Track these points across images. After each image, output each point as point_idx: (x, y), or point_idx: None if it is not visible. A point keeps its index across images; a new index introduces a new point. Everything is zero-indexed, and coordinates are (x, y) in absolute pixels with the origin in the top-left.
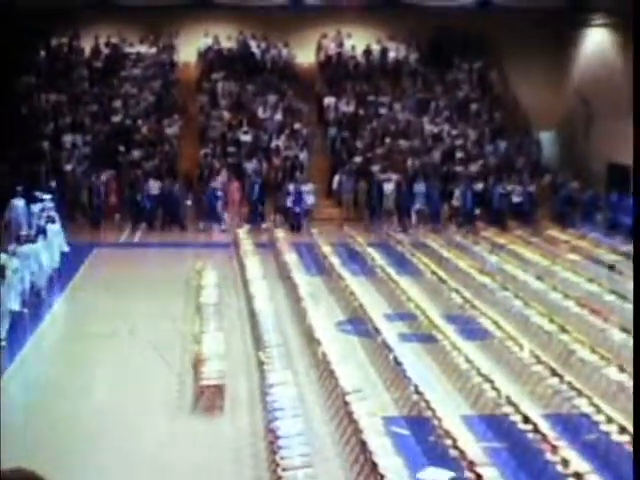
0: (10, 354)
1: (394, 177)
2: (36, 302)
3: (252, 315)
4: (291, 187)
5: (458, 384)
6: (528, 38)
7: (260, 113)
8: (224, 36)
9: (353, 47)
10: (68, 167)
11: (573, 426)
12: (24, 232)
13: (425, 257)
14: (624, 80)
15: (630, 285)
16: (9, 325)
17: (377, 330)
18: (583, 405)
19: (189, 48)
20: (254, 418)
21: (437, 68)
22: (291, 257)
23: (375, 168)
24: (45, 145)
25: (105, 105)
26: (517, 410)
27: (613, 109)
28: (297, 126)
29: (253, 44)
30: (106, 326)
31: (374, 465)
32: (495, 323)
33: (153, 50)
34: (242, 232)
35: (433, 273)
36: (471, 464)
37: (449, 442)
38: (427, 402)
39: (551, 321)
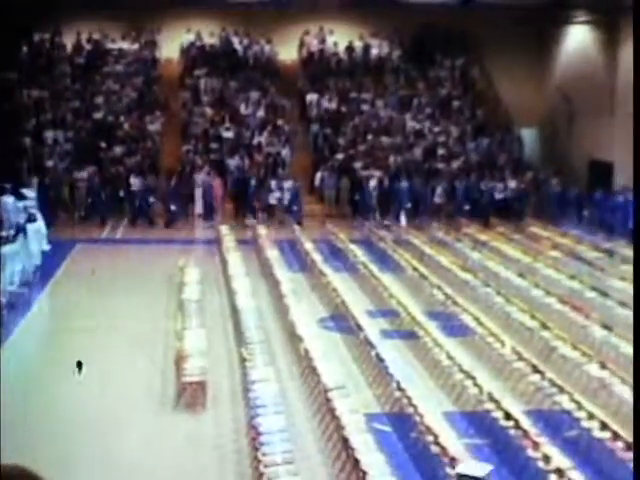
0: None
1: (376, 174)
2: (17, 300)
3: (234, 312)
4: (273, 184)
5: (440, 381)
6: (510, 35)
7: (242, 109)
8: (206, 32)
9: (335, 44)
10: (50, 163)
11: (554, 422)
12: (4, 232)
13: (407, 254)
14: (606, 77)
15: (611, 282)
16: None
17: (359, 327)
18: (564, 401)
19: (171, 44)
20: (236, 415)
21: (419, 65)
22: (273, 254)
23: (357, 165)
24: (27, 141)
25: (87, 101)
26: (499, 406)
27: (595, 106)
28: (279, 123)
29: (235, 40)
30: (88, 322)
31: (356, 462)
32: (477, 320)
33: (135, 46)
34: (224, 229)
35: (415, 270)
36: (453, 461)
37: (431, 438)
38: (409, 399)
39: (533, 318)
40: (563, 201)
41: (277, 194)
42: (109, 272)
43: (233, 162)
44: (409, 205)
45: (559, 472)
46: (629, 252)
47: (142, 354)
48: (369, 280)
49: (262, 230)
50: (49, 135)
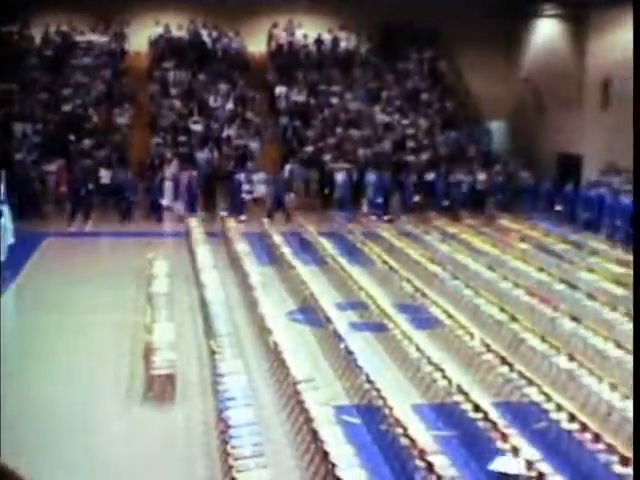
0: None
1: (345, 166)
2: None
3: (203, 304)
4: (242, 176)
5: (409, 373)
6: (479, 28)
7: (211, 102)
8: (175, 25)
9: (305, 36)
10: (18, 156)
11: (523, 414)
12: None
13: (376, 246)
14: (574, 70)
15: (580, 274)
16: None
17: (328, 319)
18: (533, 393)
19: (140, 37)
20: (205, 407)
21: (388, 58)
22: (242, 246)
23: (326, 157)
24: None
25: (56, 94)
26: (467, 399)
27: (563, 99)
28: (248, 115)
29: (204, 33)
30: (56, 316)
31: (325, 454)
32: (446, 312)
33: (104, 39)
34: (193, 221)
35: (384, 262)
36: (422, 452)
37: (400, 431)
38: (378, 391)
39: (501, 310)
40: (532, 194)
41: (246, 187)
42: (78, 266)
43: (202, 155)
44: (380, 200)
45: (528, 464)
46: (597, 244)
47: (110, 347)
48: (338, 273)
49: (231, 222)
50: (18, 128)
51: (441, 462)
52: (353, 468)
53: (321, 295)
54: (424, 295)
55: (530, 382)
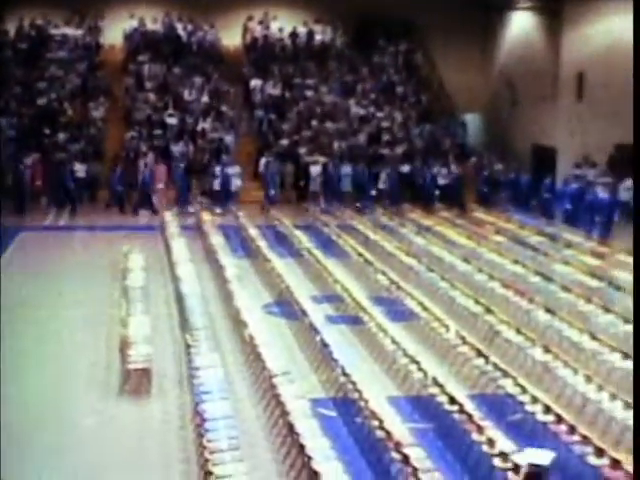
0: None
1: (321, 159)
2: None
3: (179, 298)
4: (217, 169)
5: (385, 365)
6: (453, 21)
7: (186, 95)
8: (150, 18)
9: (280, 29)
10: None
11: (498, 406)
12: None
13: (352, 239)
14: (549, 63)
15: (555, 266)
16: None
17: (304, 312)
18: (508, 385)
19: (115, 30)
20: (181, 401)
21: (363, 51)
22: (217, 240)
23: (302, 150)
24: None
25: (30, 87)
26: (443, 391)
27: (538, 92)
28: (223, 108)
29: (179, 26)
30: (30, 310)
31: (301, 447)
32: (421, 304)
33: (79, 32)
34: (169, 215)
35: (360, 255)
36: (397, 445)
37: (376, 423)
38: (354, 384)
39: (477, 302)
40: (507, 186)
41: (221, 180)
42: (53, 259)
43: (177, 148)
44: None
45: (503, 455)
46: (572, 237)
47: (85, 341)
48: (314, 266)
49: (206, 216)
50: None
51: (417, 454)
52: (329, 461)
53: (297, 288)
54: (399, 288)
55: (505, 374)
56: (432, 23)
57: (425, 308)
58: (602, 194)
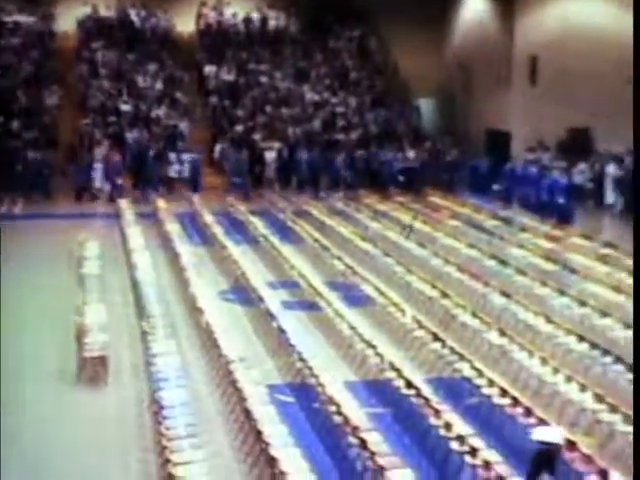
0: None
1: (276, 145)
2: None
3: (135, 286)
4: (172, 156)
5: (341, 351)
6: (407, 6)
7: (140, 82)
8: (103, 5)
9: (234, 15)
10: None
11: (455, 390)
12: None
13: (307, 225)
14: (502, 47)
15: (510, 250)
16: None
17: (260, 298)
18: (465, 369)
19: (68, 17)
20: (138, 389)
21: (317, 36)
22: (173, 227)
23: (256, 137)
24: None
25: None
26: (400, 375)
27: (491, 76)
28: (177, 95)
29: (132, 13)
30: None
31: (258, 433)
32: (377, 289)
33: (32, 19)
34: (124, 202)
35: (315, 241)
36: (355, 429)
37: (333, 408)
38: (311, 369)
39: (433, 287)
40: (461, 170)
41: (177, 167)
42: (6, 249)
43: (132, 135)
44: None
45: (460, 439)
46: (527, 220)
47: (42, 330)
48: (270, 252)
49: (162, 203)
50: None
51: (374, 439)
52: (287, 447)
53: (253, 274)
54: (355, 273)
55: (462, 358)
56: (386, 8)
57: (381, 293)
58: (559, 178)
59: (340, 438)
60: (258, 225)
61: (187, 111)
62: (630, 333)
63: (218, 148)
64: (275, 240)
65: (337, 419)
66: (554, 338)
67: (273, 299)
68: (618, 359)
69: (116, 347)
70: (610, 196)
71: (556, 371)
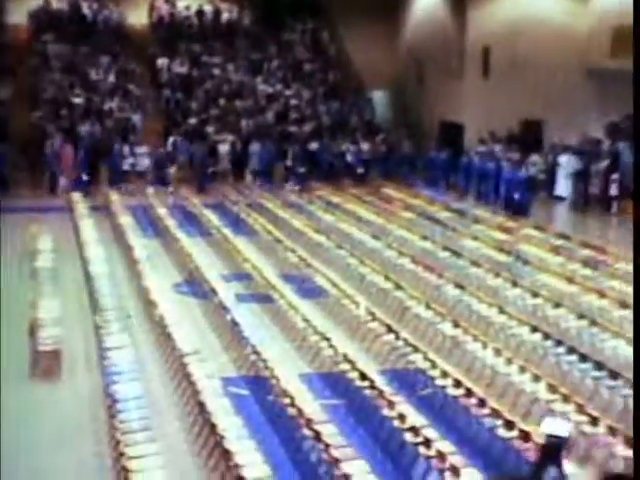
0: None
1: (229, 138)
2: None
3: (88, 279)
4: (125, 149)
5: (295, 343)
6: None
7: (93, 75)
8: None
9: (186, 7)
10: None
11: (409, 381)
12: None
13: (261, 217)
14: (455, 39)
15: (463, 242)
16: None
17: (214, 291)
18: (419, 360)
19: (19, 10)
20: (92, 383)
21: (270, 29)
22: (126, 220)
23: (210, 129)
24: None
25: None
26: (354, 367)
27: (444, 68)
28: (130, 88)
29: (84, 5)
30: None
31: (213, 426)
32: (331, 281)
33: None
34: (76, 195)
35: (269, 233)
36: (309, 422)
37: (287, 401)
38: (265, 362)
39: (386, 278)
40: (415, 162)
41: (130, 160)
42: None
43: (84, 128)
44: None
45: (414, 430)
46: (480, 212)
47: None
48: (223, 244)
49: (114, 196)
50: None
51: (329, 431)
52: (241, 439)
53: (206, 267)
54: (309, 265)
55: (416, 349)
56: (339, 1)
57: (335, 285)
58: (514, 171)
59: (294, 430)
60: (211, 218)
61: (140, 104)
62: (583, 323)
63: (171, 141)
64: (228, 232)
65: (291, 411)
66: (507, 329)
67: (227, 292)
68: (571, 349)
69: (70, 341)
70: (562, 188)
71: (509, 362)
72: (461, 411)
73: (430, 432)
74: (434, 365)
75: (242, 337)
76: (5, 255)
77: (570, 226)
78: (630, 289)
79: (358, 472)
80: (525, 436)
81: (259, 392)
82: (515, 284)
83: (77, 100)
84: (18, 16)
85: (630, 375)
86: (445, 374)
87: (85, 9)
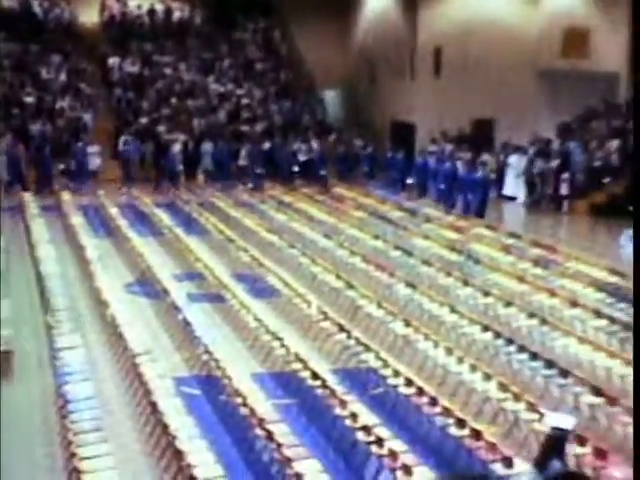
0: None
1: (181, 137)
2: None
3: (39, 279)
4: (77, 148)
5: (247, 342)
6: None
7: (44, 74)
8: None
9: (138, 6)
10: None
11: (361, 381)
12: None
13: (213, 217)
14: (406, 39)
15: (415, 241)
16: None
17: (166, 291)
18: (370, 360)
19: None
20: (44, 383)
21: (222, 28)
22: (78, 220)
23: (161, 128)
24: None
25: None
26: (306, 366)
27: (396, 68)
28: (81, 87)
29: (35, 3)
30: None
31: (165, 426)
32: (283, 281)
33: None
34: (27, 195)
35: (221, 232)
36: (261, 421)
37: (239, 400)
38: (217, 361)
39: (338, 278)
40: (366, 162)
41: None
42: None
43: (35, 127)
44: (209, 167)
45: (366, 429)
46: (431, 211)
47: None
48: (175, 244)
49: (66, 196)
50: None
51: (281, 430)
52: (193, 439)
53: (158, 267)
54: (261, 264)
55: (367, 348)
56: (291, 0)
57: (287, 284)
58: (469, 171)
59: (247, 430)
60: (163, 217)
61: (91, 103)
62: (533, 322)
63: (122, 140)
64: (180, 232)
65: (243, 411)
66: (459, 328)
67: (178, 291)
68: (522, 348)
69: (22, 341)
70: (511, 187)
71: (461, 360)
72: (413, 410)
73: (382, 431)
74: (386, 364)
75: (194, 337)
76: None
77: (521, 225)
78: (579, 287)
79: (310, 471)
80: (476, 435)
81: (211, 392)
82: (466, 283)
83: (28, 99)
84: None
85: (580, 373)
86: (397, 373)
87: (36, 7)
